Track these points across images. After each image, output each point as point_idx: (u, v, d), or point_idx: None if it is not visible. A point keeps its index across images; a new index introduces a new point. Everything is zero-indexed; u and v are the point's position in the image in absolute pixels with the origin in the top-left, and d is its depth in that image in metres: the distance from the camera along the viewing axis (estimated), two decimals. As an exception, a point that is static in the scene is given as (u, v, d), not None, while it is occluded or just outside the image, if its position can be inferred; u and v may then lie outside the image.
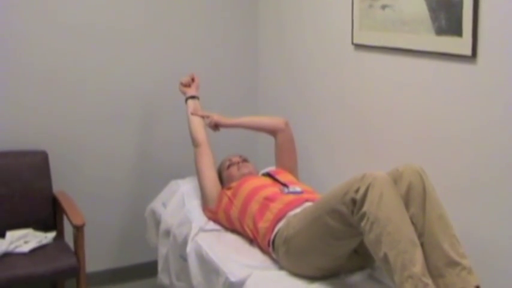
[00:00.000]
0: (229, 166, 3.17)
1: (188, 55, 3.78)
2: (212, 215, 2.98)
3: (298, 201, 2.68)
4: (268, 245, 2.60)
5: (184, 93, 3.36)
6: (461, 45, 2.42)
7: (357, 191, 2.16)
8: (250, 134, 3.97)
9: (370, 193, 2.13)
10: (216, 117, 3.22)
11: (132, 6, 3.61)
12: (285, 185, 2.87)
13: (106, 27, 3.54)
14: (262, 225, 2.65)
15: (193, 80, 3.40)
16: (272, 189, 2.81)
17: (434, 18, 2.54)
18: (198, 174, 3.12)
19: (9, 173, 3.23)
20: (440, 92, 2.59)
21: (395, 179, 2.25)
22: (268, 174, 3.05)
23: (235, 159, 3.21)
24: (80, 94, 3.52)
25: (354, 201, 2.16)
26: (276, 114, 3.75)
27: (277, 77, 3.82)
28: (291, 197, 2.73)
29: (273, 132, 3.25)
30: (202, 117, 3.25)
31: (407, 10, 2.69)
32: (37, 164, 3.31)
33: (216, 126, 3.24)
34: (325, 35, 3.33)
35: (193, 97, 3.33)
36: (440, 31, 2.53)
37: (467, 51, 2.40)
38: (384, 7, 2.82)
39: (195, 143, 3.18)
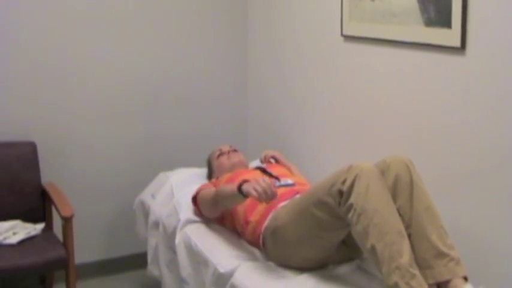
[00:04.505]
0: (219, 156, 3.17)
1: (178, 49, 3.77)
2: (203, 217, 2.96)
3: (289, 193, 2.67)
4: (258, 239, 2.59)
5: (264, 197, 2.34)
6: (450, 36, 2.42)
7: (343, 182, 2.16)
8: (240, 126, 3.97)
9: (357, 184, 2.13)
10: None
11: (123, 2, 3.59)
12: (276, 178, 2.86)
13: (97, 21, 3.52)
14: (253, 219, 2.64)
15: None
16: None
17: (424, 9, 2.54)
18: (208, 207, 2.82)
19: (-2, 164, 3.22)
20: (429, 84, 2.59)
21: (383, 170, 2.25)
22: (260, 168, 3.05)
23: (226, 148, 3.21)
24: (69, 86, 3.50)
25: (340, 193, 2.17)
26: (265, 106, 3.75)
27: (267, 69, 3.81)
28: (283, 189, 2.72)
29: None
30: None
31: (396, 1, 2.69)
32: (26, 155, 3.30)
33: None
34: (315, 27, 3.32)
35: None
36: (429, 23, 2.52)
37: (457, 43, 2.40)
38: (373, -2, 2.82)
39: (208, 215, 2.84)
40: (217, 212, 2.80)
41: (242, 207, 2.72)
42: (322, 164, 3.28)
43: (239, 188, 2.41)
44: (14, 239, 2.99)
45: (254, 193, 2.30)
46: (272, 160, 3.22)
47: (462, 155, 2.46)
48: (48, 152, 3.43)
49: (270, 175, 2.90)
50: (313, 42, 3.35)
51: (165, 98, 3.75)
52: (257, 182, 2.32)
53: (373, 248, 2.08)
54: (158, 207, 3.14)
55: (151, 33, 3.69)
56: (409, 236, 2.14)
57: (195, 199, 2.91)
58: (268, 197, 2.30)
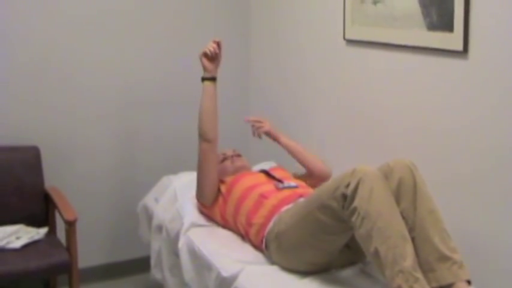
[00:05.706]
0: (223, 160, 3.17)
1: (181, 52, 3.77)
2: (206, 210, 2.97)
3: (293, 196, 2.68)
4: (261, 242, 2.60)
5: (206, 68, 2.94)
6: (452, 40, 2.43)
7: (347, 186, 2.16)
8: (243, 129, 3.97)
9: (361, 188, 2.13)
10: (268, 127, 3.10)
11: (124, 4, 3.60)
12: (279, 180, 2.86)
13: (99, 24, 3.54)
14: (256, 221, 2.64)
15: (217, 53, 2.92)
16: (267, 186, 2.80)
17: (426, 13, 2.55)
18: (202, 171, 2.94)
19: (1, 168, 3.22)
20: (432, 87, 2.60)
21: (386, 174, 2.26)
22: (264, 171, 3.05)
23: (229, 152, 3.21)
24: (72, 89, 3.51)
25: (344, 196, 2.17)
26: (268, 111, 3.75)
27: (269, 73, 3.82)
28: (286, 192, 2.73)
29: (312, 173, 3.04)
30: (255, 122, 3.11)
31: (399, 5, 2.70)
32: (29, 159, 3.30)
33: (265, 134, 3.12)
34: (317, 31, 3.33)
35: (214, 78, 2.95)
36: (431, 27, 2.53)
37: (459, 47, 2.41)
38: (375, 2, 2.82)
39: (205, 137, 2.91)
40: (213, 159, 2.92)
41: (244, 210, 2.72)
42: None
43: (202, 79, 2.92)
44: (17, 244, 2.98)
45: (204, 50, 2.88)
46: (264, 135, 3.14)
47: (465, 158, 2.47)
48: (51, 156, 3.43)
49: (273, 178, 2.91)
50: (315, 46, 3.35)
51: (168, 101, 3.75)
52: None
53: (376, 252, 2.08)
54: (161, 211, 3.14)
55: (153, 36, 3.69)
56: (413, 239, 2.14)
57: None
58: (215, 47, 2.89)
